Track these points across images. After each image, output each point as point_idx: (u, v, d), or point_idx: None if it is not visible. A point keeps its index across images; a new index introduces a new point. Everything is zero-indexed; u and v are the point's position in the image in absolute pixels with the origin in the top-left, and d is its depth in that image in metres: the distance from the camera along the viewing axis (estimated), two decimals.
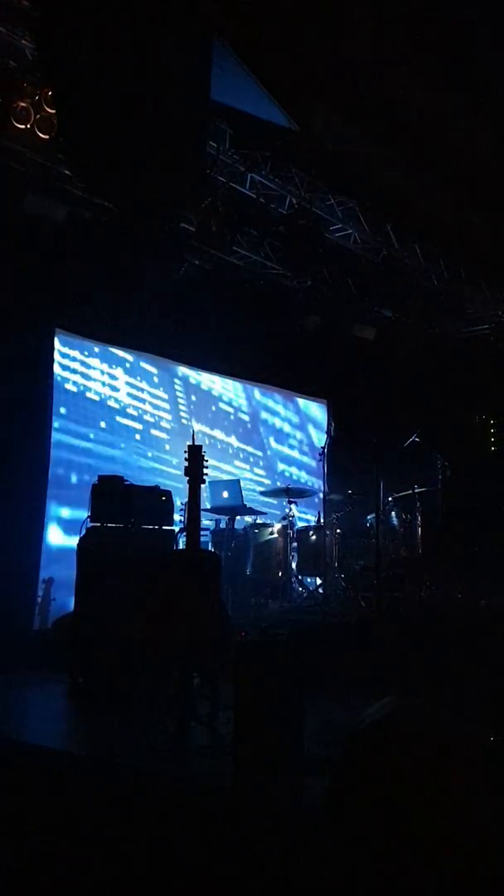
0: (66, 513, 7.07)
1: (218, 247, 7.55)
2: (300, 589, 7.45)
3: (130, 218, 6.39)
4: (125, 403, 7.92)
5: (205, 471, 4.18)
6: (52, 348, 7.21)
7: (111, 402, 7.79)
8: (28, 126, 5.62)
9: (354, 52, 5.16)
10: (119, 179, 3.92)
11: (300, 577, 7.54)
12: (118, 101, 3.50)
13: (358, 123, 6.05)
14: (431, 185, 6.89)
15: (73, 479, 7.23)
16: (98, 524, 5.39)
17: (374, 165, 6.83)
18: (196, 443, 4.25)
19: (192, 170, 4.19)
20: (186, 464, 4.15)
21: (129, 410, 7.94)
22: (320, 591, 7.15)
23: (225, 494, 7.17)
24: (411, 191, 7.15)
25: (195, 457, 4.14)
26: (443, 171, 6.63)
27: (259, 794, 2.87)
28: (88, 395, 7.58)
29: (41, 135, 5.67)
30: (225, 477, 7.93)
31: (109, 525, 5.40)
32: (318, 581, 7.42)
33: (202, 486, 4.21)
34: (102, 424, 7.65)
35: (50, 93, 5.40)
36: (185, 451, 4.17)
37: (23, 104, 5.58)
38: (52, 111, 5.53)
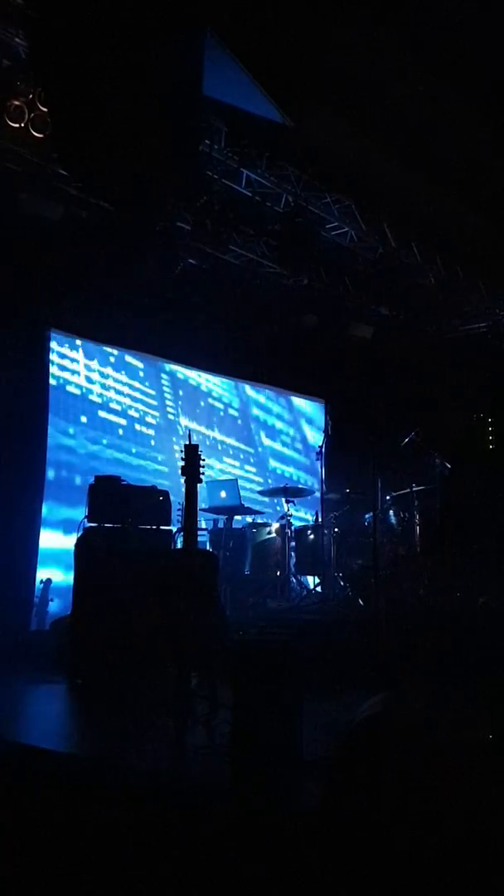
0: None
1: (214, 245, 7.53)
2: (298, 588, 7.44)
3: (126, 217, 6.37)
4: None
5: (200, 470, 4.13)
6: (48, 348, 7.15)
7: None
8: (22, 125, 5.59)
9: (350, 48, 5.14)
10: (113, 178, 3.91)
11: (298, 576, 7.53)
12: (111, 100, 3.48)
13: (354, 120, 6.03)
14: (428, 183, 6.88)
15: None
16: (95, 524, 5.38)
17: (370, 163, 6.81)
18: (187, 440, 4.17)
19: (186, 168, 4.18)
20: (182, 463, 4.07)
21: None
22: (318, 590, 7.13)
23: (223, 494, 7.15)
24: (408, 188, 7.13)
25: (192, 456, 4.06)
26: (440, 169, 6.61)
27: (256, 793, 2.86)
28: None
29: (35, 133, 5.64)
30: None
31: (107, 525, 5.39)
32: (317, 580, 7.40)
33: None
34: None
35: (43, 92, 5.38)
36: (181, 450, 4.10)
37: (17, 103, 5.56)
38: (47, 110, 5.51)
